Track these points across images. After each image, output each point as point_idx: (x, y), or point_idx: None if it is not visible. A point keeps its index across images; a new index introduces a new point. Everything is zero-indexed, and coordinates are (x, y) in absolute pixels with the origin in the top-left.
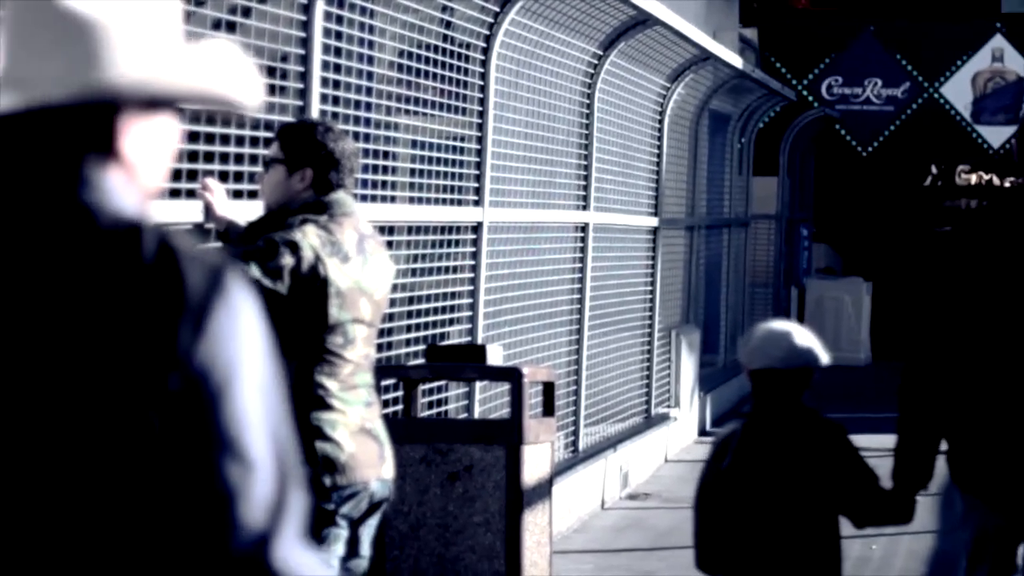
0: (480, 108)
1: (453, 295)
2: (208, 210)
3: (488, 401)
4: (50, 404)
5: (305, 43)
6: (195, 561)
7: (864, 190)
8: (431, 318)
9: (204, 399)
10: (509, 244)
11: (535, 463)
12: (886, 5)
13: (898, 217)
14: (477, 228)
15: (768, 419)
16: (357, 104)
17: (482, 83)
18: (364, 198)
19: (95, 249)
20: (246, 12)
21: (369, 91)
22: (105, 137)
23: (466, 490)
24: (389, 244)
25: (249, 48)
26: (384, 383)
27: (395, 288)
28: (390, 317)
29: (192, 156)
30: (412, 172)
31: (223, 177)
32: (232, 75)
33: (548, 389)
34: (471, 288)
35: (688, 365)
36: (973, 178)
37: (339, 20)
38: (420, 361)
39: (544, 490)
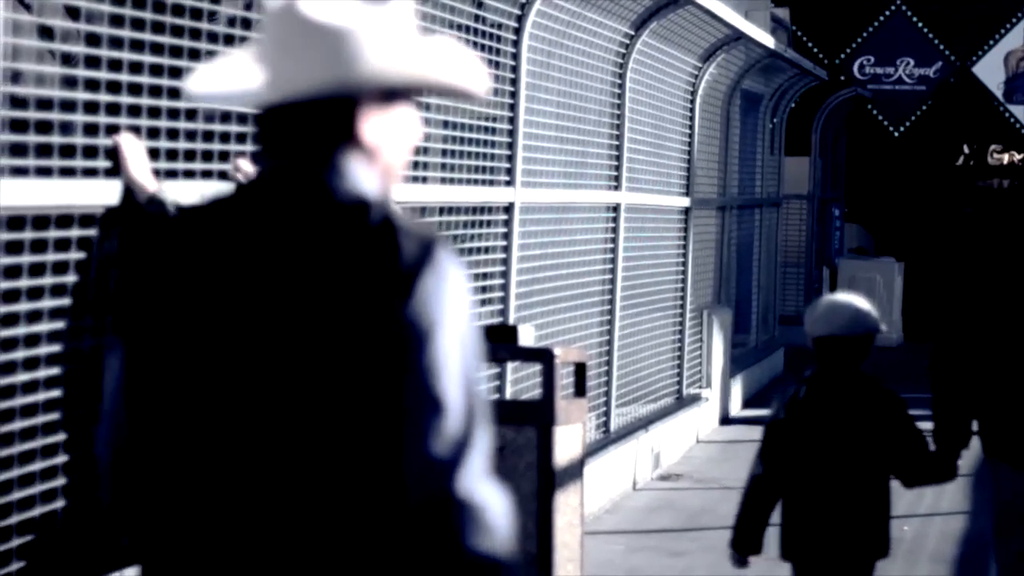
0: (512, 88)
1: (485, 276)
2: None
3: (520, 382)
4: (299, 338)
5: None
6: (388, 482)
7: (896, 170)
8: None
9: (410, 345)
10: (541, 224)
11: (567, 444)
12: None
13: (930, 197)
14: (509, 208)
15: (830, 383)
16: None
17: (514, 63)
18: None
19: (331, 222)
20: None
21: None
22: (348, 126)
23: (498, 471)
24: None
25: None
26: None
27: None
28: None
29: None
30: (444, 153)
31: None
32: (459, 66)
33: (580, 370)
34: (503, 269)
35: (719, 345)
36: (1005, 158)
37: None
38: None
39: (576, 471)
